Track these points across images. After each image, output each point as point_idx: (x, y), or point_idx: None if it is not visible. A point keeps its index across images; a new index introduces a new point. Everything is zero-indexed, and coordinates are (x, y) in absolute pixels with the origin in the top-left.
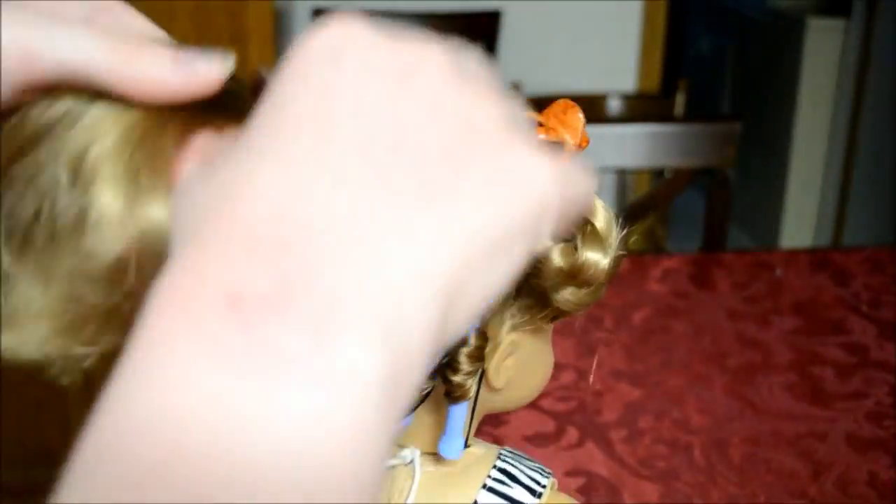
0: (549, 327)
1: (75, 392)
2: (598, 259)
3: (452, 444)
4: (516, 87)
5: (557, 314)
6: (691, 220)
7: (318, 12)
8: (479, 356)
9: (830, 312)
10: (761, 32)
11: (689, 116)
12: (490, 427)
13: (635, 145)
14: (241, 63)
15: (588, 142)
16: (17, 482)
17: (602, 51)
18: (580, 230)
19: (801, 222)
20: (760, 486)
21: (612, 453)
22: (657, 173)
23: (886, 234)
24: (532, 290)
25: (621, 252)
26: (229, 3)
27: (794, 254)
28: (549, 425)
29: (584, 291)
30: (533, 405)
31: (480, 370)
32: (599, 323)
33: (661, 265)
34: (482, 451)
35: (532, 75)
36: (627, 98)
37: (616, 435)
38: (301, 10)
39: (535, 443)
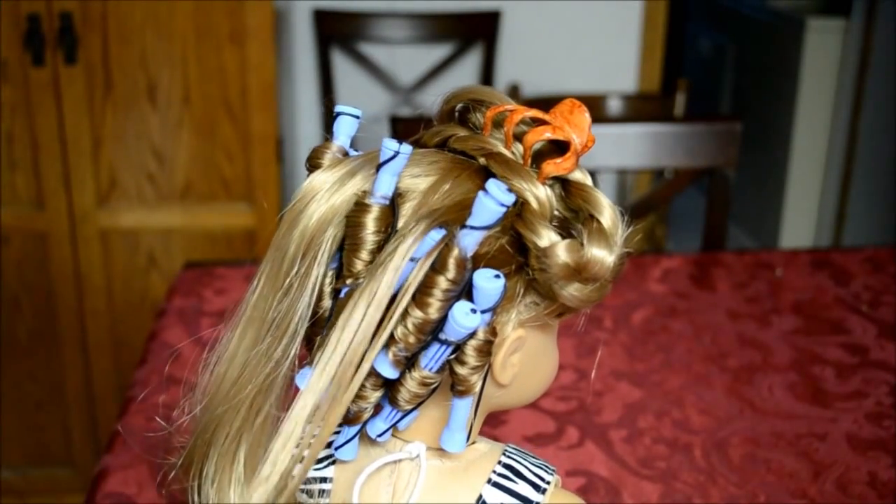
0: (555, 325)
1: (75, 392)
2: (603, 256)
3: (455, 438)
4: (515, 87)
5: (563, 310)
6: (691, 220)
7: (318, 12)
8: (486, 350)
9: (830, 312)
10: (761, 32)
11: (689, 116)
12: (489, 427)
13: (635, 145)
14: (242, 63)
15: (594, 141)
16: (18, 482)
17: (602, 51)
18: (587, 227)
19: (801, 222)
20: (760, 486)
21: (612, 453)
22: (657, 173)
23: (886, 234)
24: (539, 286)
25: (627, 250)
26: (229, 3)
27: (794, 254)
28: (549, 425)
29: (589, 287)
30: (533, 405)
31: (486, 367)
32: (599, 323)
33: (661, 265)
34: (487, 448)
35: (532, 75)
36: (627, 98)
37: (616, 435)
38: (301, 10)
39: (535, 443)
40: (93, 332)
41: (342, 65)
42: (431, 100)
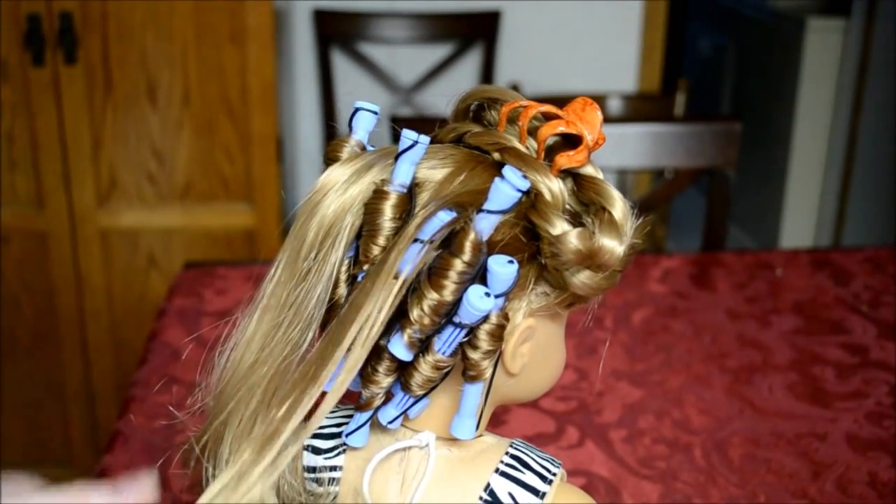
0: (564, 316)
1: (75, 392)
2: (613, 245)
3: (465, 424)
4: (516, 87)
5: (573, 300)
6: (691, 220)
7: (318, 12)
8: (499, 335)
9: (830, 312)
10: (761, 32)
11: (689, 116)
12: (490, 427)
13: (636, 145)
14: (242, 63)
15: (604, 139)
16: None
17: (602, 51)
18: (598, 217)
19: (801, 222)
20: (760, 486)
21: (612, 453)
22: (657, 173)
23: (886, 234)
24: (550, 275)
25: (636, 241)
26: (229, 3)
27: (794, 254)
28: (549, 425)
29: (599, 276)
30: (533, 405)
31: (497, 353)
32: (600, 323)
33: (661, 265)
34: (495, 440)
35: (532, 75)
36: (627, 98)
37: (616, 435)
38: (301, 10)
39: (535, 443)
40: (93, 332)
41: (342, 65)
42: (432, 100)
